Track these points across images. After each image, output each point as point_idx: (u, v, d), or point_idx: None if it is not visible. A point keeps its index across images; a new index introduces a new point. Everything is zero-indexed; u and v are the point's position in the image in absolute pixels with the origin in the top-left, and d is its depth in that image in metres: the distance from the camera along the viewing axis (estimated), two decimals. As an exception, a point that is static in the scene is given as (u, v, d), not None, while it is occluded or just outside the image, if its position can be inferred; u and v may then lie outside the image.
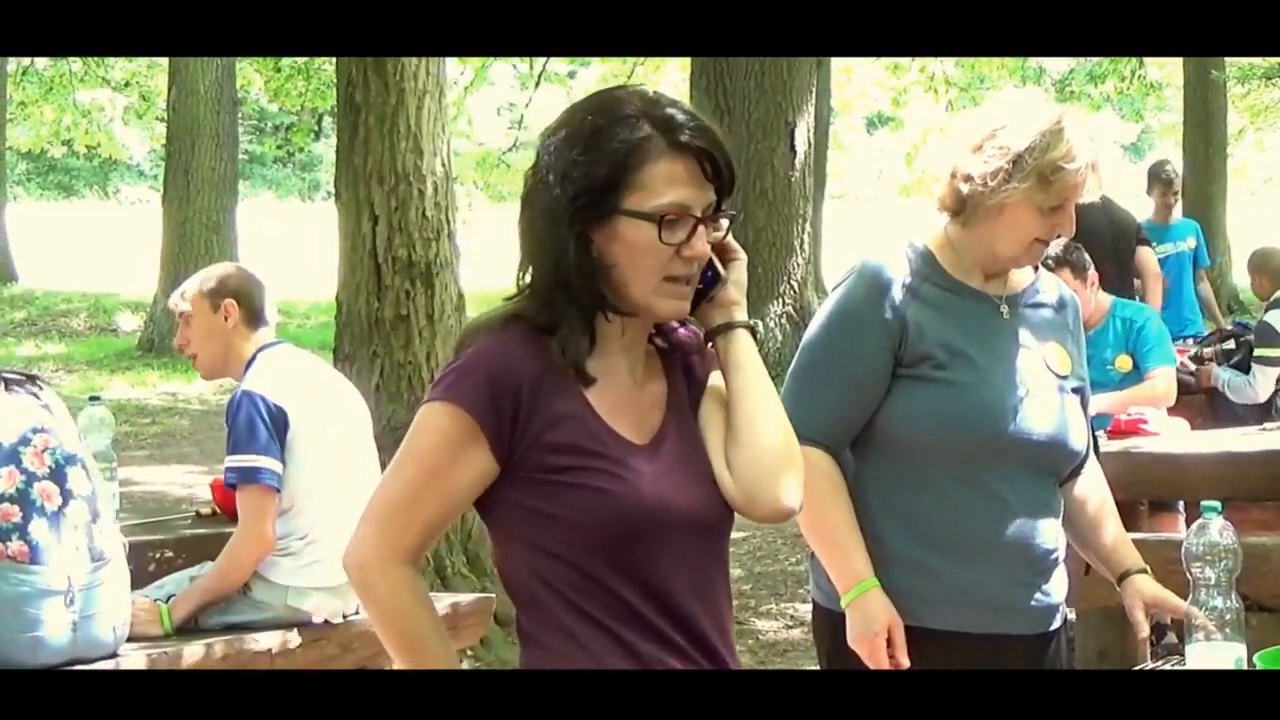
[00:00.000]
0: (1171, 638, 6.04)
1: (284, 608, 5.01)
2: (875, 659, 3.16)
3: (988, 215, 3.24)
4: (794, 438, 2.48)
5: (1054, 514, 3.33)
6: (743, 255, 2.51)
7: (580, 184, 2.36)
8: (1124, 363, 7.08)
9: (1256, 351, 8.60)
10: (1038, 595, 3.29)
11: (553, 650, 2.40)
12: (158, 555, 5.42)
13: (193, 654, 4.80)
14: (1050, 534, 3.30)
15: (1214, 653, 2.93)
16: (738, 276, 2.50)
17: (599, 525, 2.35)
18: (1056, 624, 3.37)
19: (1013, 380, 3.25)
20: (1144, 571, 3.34)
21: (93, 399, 5.55)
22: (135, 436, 14.12)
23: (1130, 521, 6.21)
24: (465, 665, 6.24)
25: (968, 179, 3.22)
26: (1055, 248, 7.01)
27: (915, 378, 3.24)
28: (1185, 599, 3.08)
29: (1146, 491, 6.27)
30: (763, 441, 2.43)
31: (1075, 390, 3.36)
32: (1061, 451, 3.31)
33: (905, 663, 3.16)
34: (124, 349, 20.34)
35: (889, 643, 3.17)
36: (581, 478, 2.36)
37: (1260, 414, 8.30)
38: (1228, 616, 2.94)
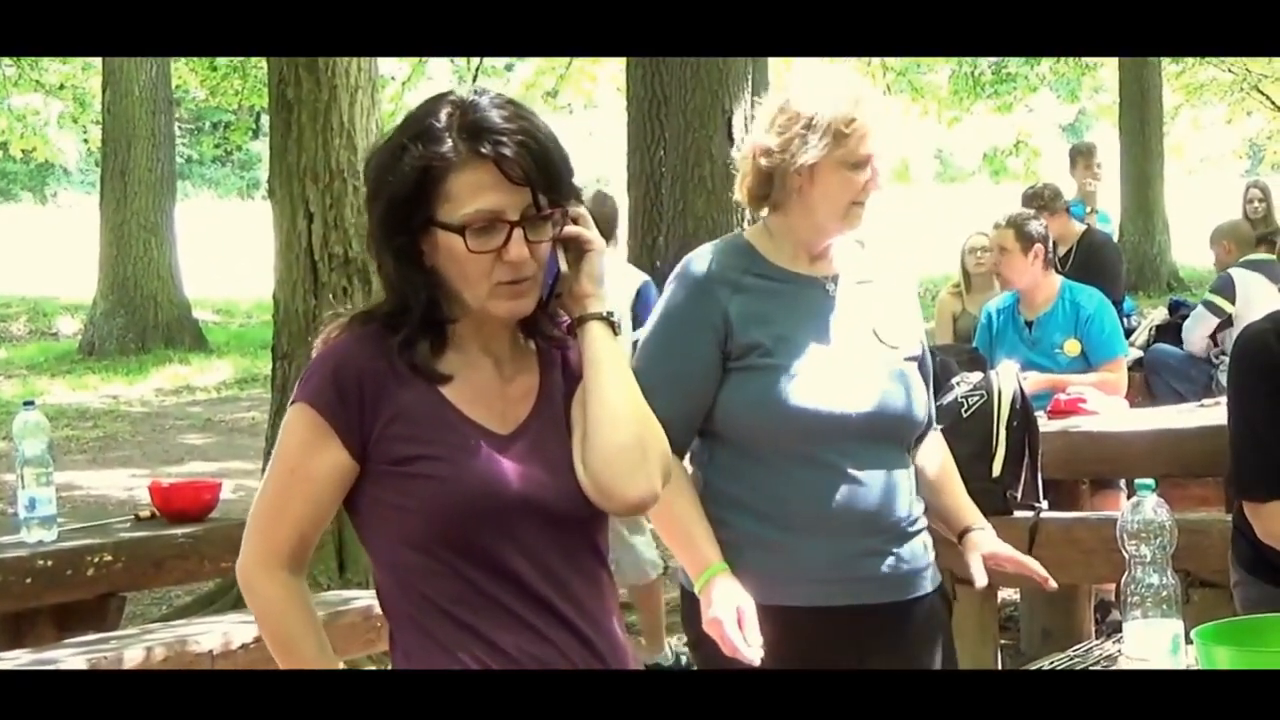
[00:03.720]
0: (1116, 616, 6.06)
1: None
2: (726, 641, 3.17)
3: (799, 192, 3.30)
4: (650, 429, 2.50)
5: (904, 481, 3.36)
6: (598, 245, 2.51)
7: (386, 201, 2.40)
8: (1072, 347, 7.07)
9: (1207, 296, 8.80)
10: (892, 562, 3.32)
11: (412, 654, 2.44)
12: (96, 559, 5.37)
13: (133, 657, 4.77)
14: (901, 501, 3.34)
15: (1151, 629, 2.93)
16: (589, 268, 2.51)
17: (443, 513, 2.39)
18: (922, 590, 3.39)
19: (839, 358, 3.30)
20: (984, 529, 3.40)
21: (27, 403, 5.46)
22: (76, 440, 14.00)
23: (1072, 500, 6.27)
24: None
25: (767, 153, 3.30)
26: (1010, 212, 7.05)
27: (744, 368, 3.30)
28: (1122, 576, 3.08)
29: (1087, 470, 6.31)
30: (611, 437, 2.45)
31: (910, 358, 3.40)
32: (896, 421, 3.35)
33: (758, 640, 3.16)
34: (64, 352, 20.19)
35: (740, 624, 3.18)
36: (426, 467, 2.40)
37: (1201, 391, 8.39)
38: (1164, 593, 2.93)
